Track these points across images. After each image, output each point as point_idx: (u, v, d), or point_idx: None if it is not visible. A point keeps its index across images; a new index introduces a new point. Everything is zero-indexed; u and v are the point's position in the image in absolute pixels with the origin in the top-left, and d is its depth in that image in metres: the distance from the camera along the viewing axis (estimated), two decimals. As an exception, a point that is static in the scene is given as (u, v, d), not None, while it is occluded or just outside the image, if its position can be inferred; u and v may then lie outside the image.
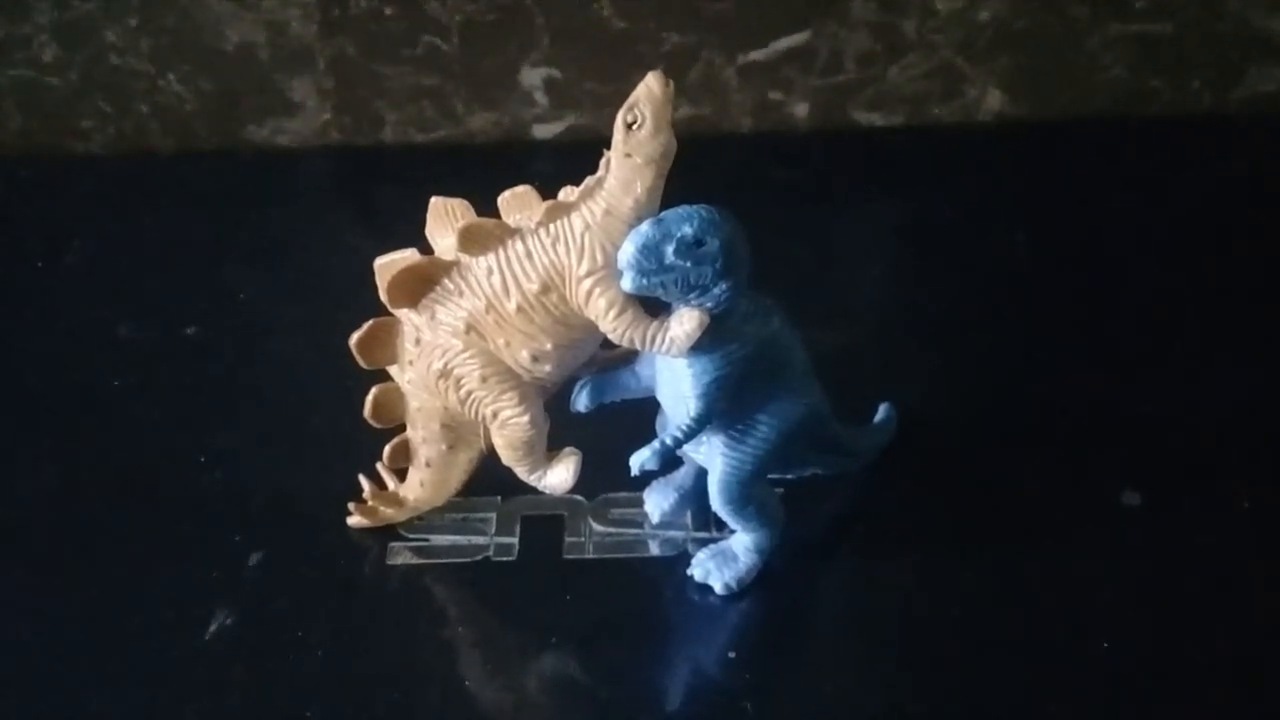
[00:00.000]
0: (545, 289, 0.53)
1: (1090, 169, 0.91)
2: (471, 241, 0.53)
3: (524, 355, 0.55)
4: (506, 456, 0.58)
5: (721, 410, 0.55)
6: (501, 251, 0.54)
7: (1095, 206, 0.87)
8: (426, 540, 0.64)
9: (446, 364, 0.56)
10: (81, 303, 0.80)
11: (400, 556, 0.63)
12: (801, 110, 0.94)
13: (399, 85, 0.92)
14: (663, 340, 0.53)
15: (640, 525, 0.64)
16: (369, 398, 0.59)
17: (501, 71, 0.91)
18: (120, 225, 0.88)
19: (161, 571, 0.62)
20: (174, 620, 0.60)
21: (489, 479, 0.62)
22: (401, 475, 0.63)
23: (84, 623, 0.60)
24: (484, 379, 0.55)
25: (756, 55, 0.91)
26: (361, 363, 0.57)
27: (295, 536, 0.64)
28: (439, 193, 0.56)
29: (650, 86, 0.51)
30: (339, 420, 0.62)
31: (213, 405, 0.72)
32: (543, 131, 0.93)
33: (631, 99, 0.51)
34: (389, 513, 0.63)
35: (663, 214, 0.52)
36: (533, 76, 0.91)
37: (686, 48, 0.90)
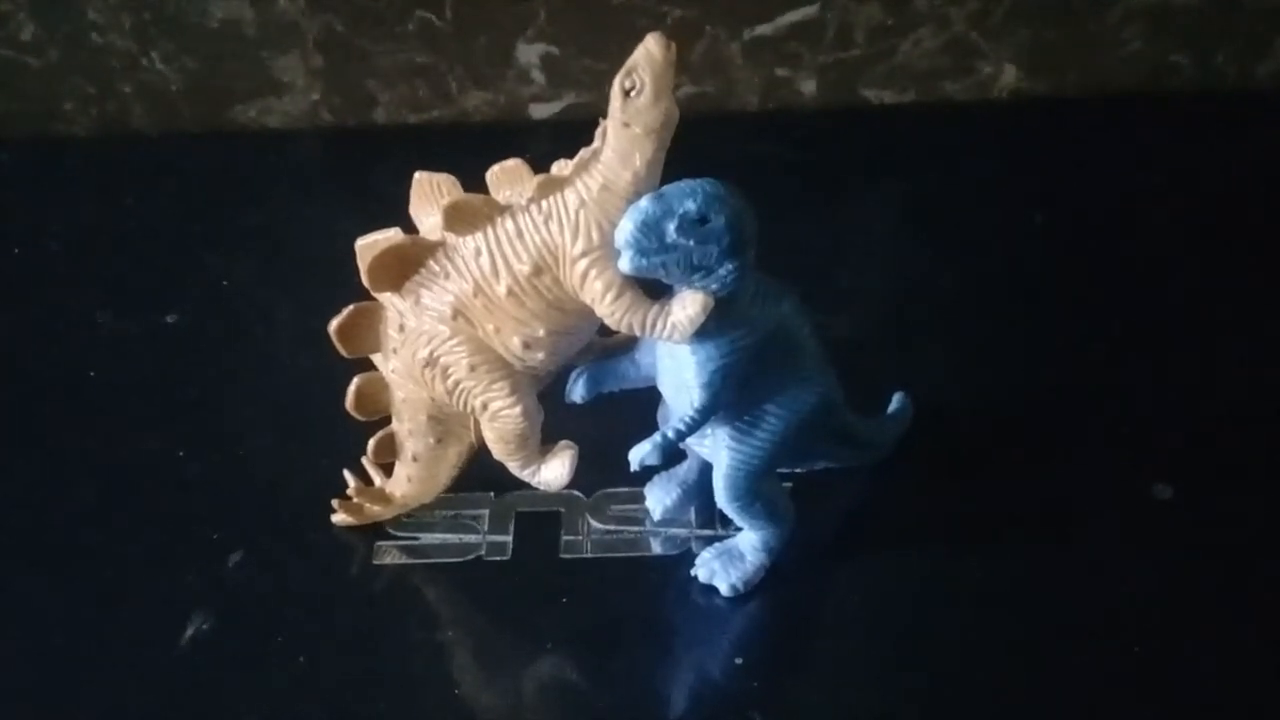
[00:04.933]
0: (537, 270, 0.51)
1: (1110, 147, 0.89)
2: (458, 220, 0.51)
3: (515, 342, 0.53)
4: (498, 450, 0.57)
5: (727, 401, 0.53)
6: (490, 230, 0.51)
7: (1116, 187, 0.86)
8: (415, 539, 0.62)
9: (432, 352, 0.53)
10: (60, 289, 0.79)
11: (388, 556, 0.62)
12: (809, 87, 0.93)
13: (391, 63, 0.90)
14: (664, 325, 0.51)
15: (641, 523, 0.63)
16: (350, 388, 0.57)
17: (497, 48, 0.90)
18: (101, 209, 0.86)
19: (136, 572, 0.61)
20: (148, 624, 0.59)
21: (481, 474, 0.60)
22: (388, 470, 0.61)
23: (53, 626, 0.59)
24: (473, 368, 0.53)
25: (763, 30, 0.90)
26: (342, 351, 0.55)
27: (277, 535, 0.62)
28: (433, 177, 0.54)
29: (650, 50, 0.48)
30: (325, 413, 0.60)
31: (193, 397, 0.70)
32: (540, 111, 0.92)
33: (630, 63, 0.49)
34: (375, 510, 0.62)
35: (663, 189, 0.50)
36: (529, 54, 0.90)
37: (690, 22, 0.89)
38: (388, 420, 0.58)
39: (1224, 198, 0.84)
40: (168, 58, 0.90)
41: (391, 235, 0.52)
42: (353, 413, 0.57)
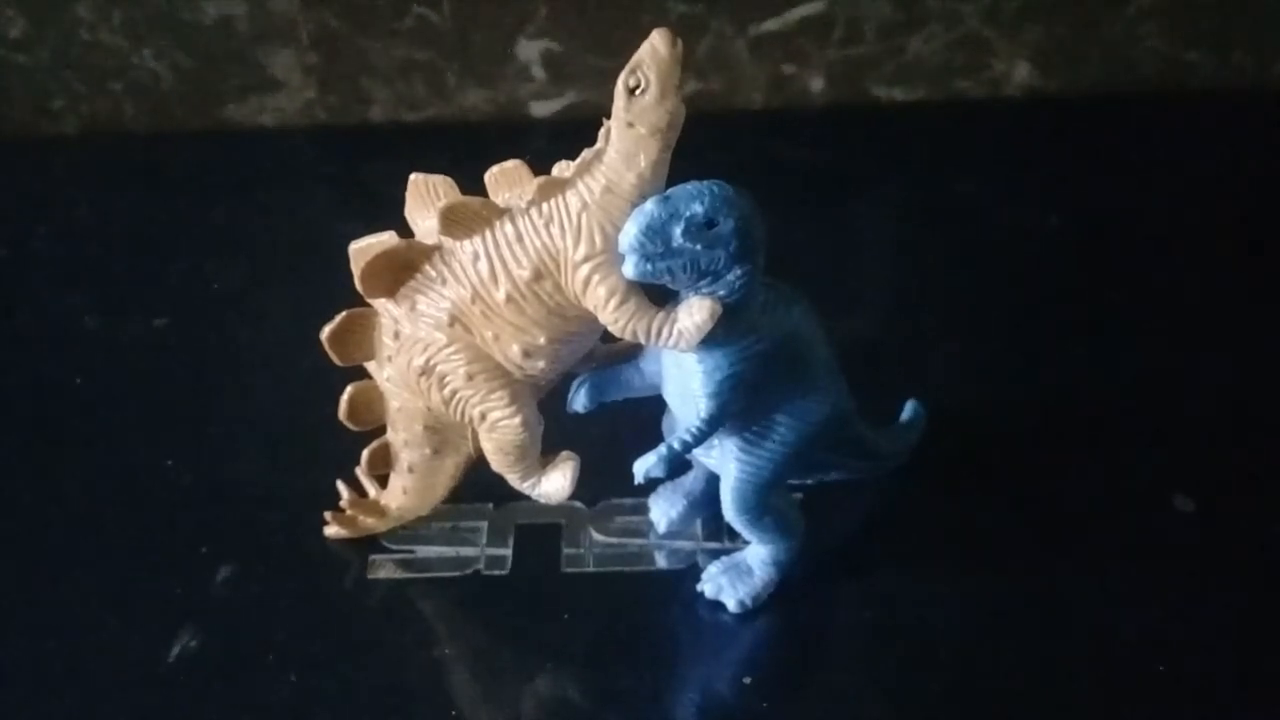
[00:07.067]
0: (538, 276, 0.50)
1: (1126, 147, 0.88)
2: (455, 223, 0.50)
3: (515, 350, 0.51)
4: (497, 462, 0.55)
5: (736, 411, 0.52)
6: (489, 234, 0.50)
7: (1132, 187, 0.84)
8: (411, 552, 0.61)
9: (428, 360, 0.52)
10: (47, 292, 0.78)
11: (383, 570, 0.60)
12: (817, 84, 0.92)
13: (387, 60, 0.90)
14: (670, 333, 0.50)
15: (645, 535, 0.61)
16: (344, 397, 0.56)
17: (497, 45, 0.89)
18: (91, 210, 0.86)
19: (121, 586, 0.59)
20: (133, 641, 0.57)
21: (479, 485, 0.59)
22: (383, 481, 0.60)
23: (34, 642, 0.57)
24: (470, 376, 0.52)
25: (769, 25, 0.89)
26: (335, 359, 0.54)
27: (268, 549, 0.61)
28: (431, 176, 0.53)
29: (656, 46, 0.47)
30: (319, 422, 0.59)
31: (182, 404, 0.69)
32: (541, 109, 0.92)
33: (634, 60, 0.47)
34: (370, 522, 0.61)
35: (669, 191, 0.49)
36: (530, 50, 0.90)
37: (695, 17, 0.88)
38: (382, 430, 0.57)
39: (1244, 197, 0.83)
40: (159, 55, 0.89)
41: (386, 239, 0.51)
42: (346, 423, 0.56)
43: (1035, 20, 0.89)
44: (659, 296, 0.50)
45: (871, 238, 0.81)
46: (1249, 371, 0.69)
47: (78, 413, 0.69)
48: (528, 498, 0.56)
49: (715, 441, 0.54)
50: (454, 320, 0.51)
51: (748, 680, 0.55)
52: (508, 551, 0.60)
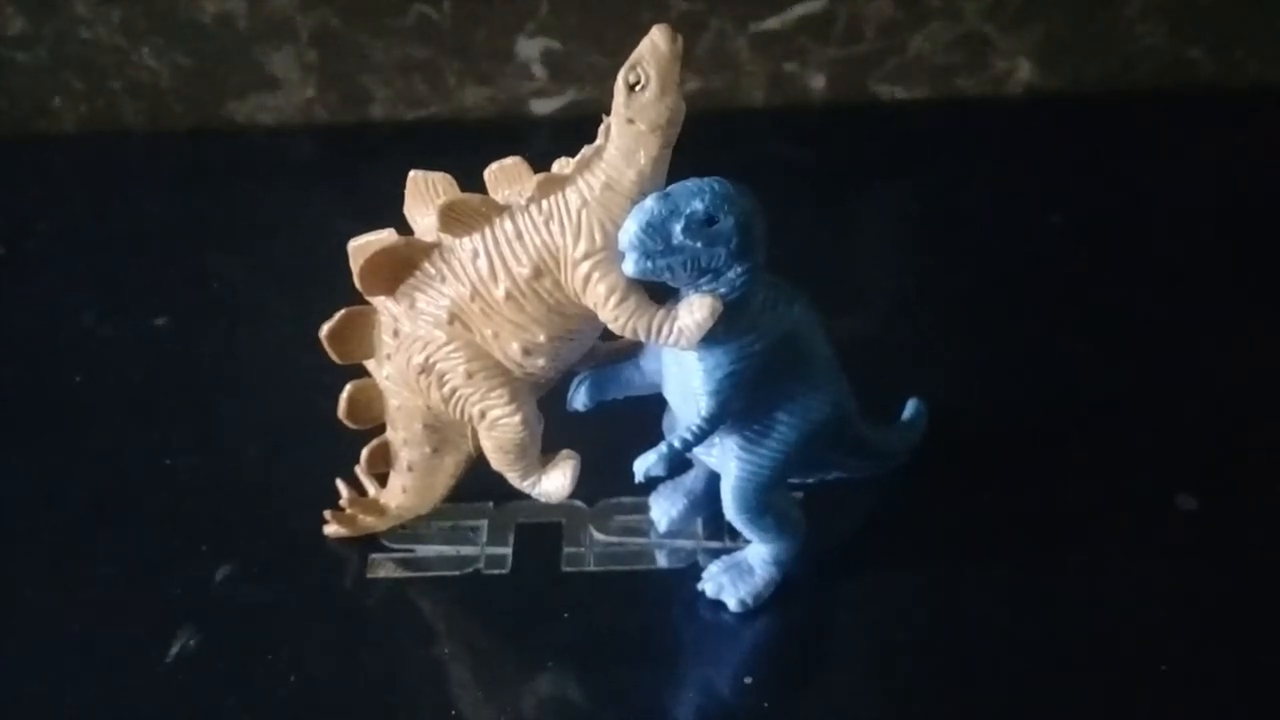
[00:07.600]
0: (537, 273, 0.50)
1: (1128, 145, 0.88)
2: (454, 220, 0.49)
3: (514, 348, 0.51)
4: (496, 460, 0.55)
5: (736, 409, 0.52)
6: (488, 231, 0.50)
7: (1134, 186, 0.84)
8: (411, 551, 0.61)
9: (428, 358, 0.52)
10: (45, 290, 0.78)
11: (382, 569, 0.60)
12: (818, 83, 0.92)
13: (387, 58, 0.90)
14: (670, 331, 0.49)
15: (646, 534, 0.61)
16: (343, 396, 0.55)
17: (497, 43, 0.89)
18: (90, 208, 0.85)
19: (120, 585, 0.59)
20: (133, 639, 0.57)
21: (479, 484, 0.58)
22: (382, 480, 0.60)
23: (32, 641, 0.57)
24: (470, 375, 0.52)
25: (770, 23, 0.89)
26: (334, 357, 0.54)
27: (267, 548, 0.61)
28: (431, 175, 0.53)
29: (656, 42, 0.46)
30: (318, 420, 0.59)
31: (182, 403, 0.69)
32: (541, 107, 0.91)
33: (634, 56, 0.47)
34: (369, 521, 0.60)
35: (670, 188, 0.48)
36: (530, 48, 0.89)
37: (695, 15, 0.88)
38: (382, 429, 0.57)
39: (1244, 197, 0.83)
40: (158, 53, 0.89)
41: (385, 236, 0.51)
42: (345, 421, 0.56)
43: (1036, 18, 0.89)
44: (659, 294, 0.50)
45: (873, 236, 0.81)
46: (1251, 370, 0.69)
47: (77, 412, 0.68)
48: (528, 496, 0.56)
49: (716, 440, 0.53)
50: (453, 318, 0.51)
51: (748, 680, 0.55)
52: (508, 550, 0.60)
